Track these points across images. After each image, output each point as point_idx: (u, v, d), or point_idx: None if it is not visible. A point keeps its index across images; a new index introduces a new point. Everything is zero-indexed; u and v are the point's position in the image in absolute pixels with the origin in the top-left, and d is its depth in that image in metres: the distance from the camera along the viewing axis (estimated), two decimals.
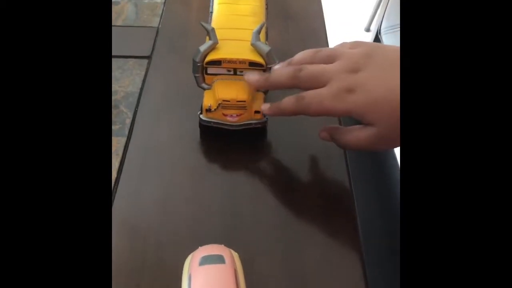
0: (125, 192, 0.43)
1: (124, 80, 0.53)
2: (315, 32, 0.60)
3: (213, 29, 0.44)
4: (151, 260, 0.39)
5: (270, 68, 0.44)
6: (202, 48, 0.44)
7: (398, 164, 0.70)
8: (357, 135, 0.41)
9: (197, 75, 0.45)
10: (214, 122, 0.46)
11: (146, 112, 0.50)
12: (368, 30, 1.85)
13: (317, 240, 0.40)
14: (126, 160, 0.45)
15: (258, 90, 0.46)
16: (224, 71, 0.45)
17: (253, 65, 0.44)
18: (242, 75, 0.44)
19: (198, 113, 0.46)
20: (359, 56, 0.40)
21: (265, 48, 0.44)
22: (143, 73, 0.54)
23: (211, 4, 0.51)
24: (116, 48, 0.56)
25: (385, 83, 0.38)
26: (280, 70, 0.43)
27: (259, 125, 0.46)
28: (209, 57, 0.44)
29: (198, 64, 0.44)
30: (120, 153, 0.46)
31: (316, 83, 0.40)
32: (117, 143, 0.47)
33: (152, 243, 0.40)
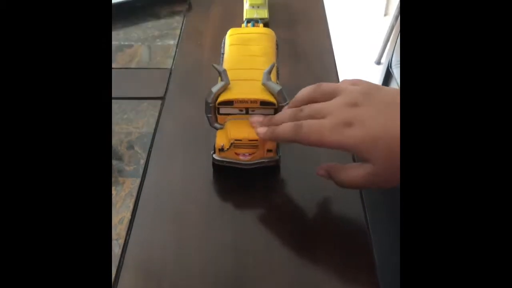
0: (139, 233, 0.43)
1: (138, 121, 0.54)
2: (326, 70, 0.61)
3: (224, 70, 0.45)
4: None
5: (281, 107, 0.45)
6: (214, 89, 0.44)
7: None
8: (353, 173, 0.41)
9: (209, 115, 0.46)
10: (227, 162, 0.46)
11: (160, 152, 0.51)
12: (379, 63, 1.87)
13: (334, 280, 0.40)
14: (140, 201, 0.46)
15: None
16: (236, 110, 0.45)
17: (264, 104, 0.45)
18: (254, 114, 0.45)
19: (211, 152, 0.47)
20: (359, 93, 0.41)
21: (276, 87, 0.44)
22: (156, 114, 0.55)
23: (222, 45, 0.52)
24: (130, 90, 0.58)
25: (382, 121, 0.38)
26: (282, 114, 0.43)
27: (272, 163, 0.46)
28: (221, 98, 0.45)
29: (211, 105, 0.45)
30: (134, 194, 0.46)
31: (316, 117, 0.41)
32: (131, 184, 0.47)
33: (166, 286, 0.40)
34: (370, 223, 0.44)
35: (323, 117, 0.40)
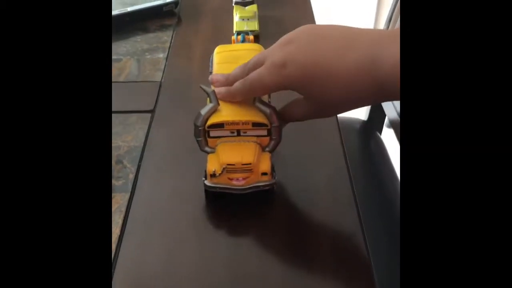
0: (129, 249, 0.42)
1: (127, 135, 0.53)
2: None
3: (213, 91, 0.43)
4: None
5: (274, 128, 0.43)
6: (203, 111, 0.43)
7: None
8: (295, 113, 0.43)
9: (199, 139, 0.44)
10: (219, 188, 0.44)
11: (150, 166, 0.49)
12: None
13: None
14: (129, 217, 0.44)
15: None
16: (227, 133, 0.43)
17: (256, 125, 0.43)
18: (246, 135, 0.43)
19: (202, 178, 0.44)
20: (293, 32, 0.42)
21: (268, 108, 0.43)
22: (146, 127, 0.54)
23: (210, 63, 0.51)
24: (119, 104, 0.56)
25: (314, 54, 0.39)
26: (235, 70, 0.45)
27: (268, 187, 0.44)
28: (211, 121, 0.43)
29: (200, 128, 0.43)
30: (124, 209, 0.45)
31: (257, 66, 0.42)
32: (120, 199, 0.46)
33: None
34: (369, 249, 0.42)
35: (263, 63, 0.41)
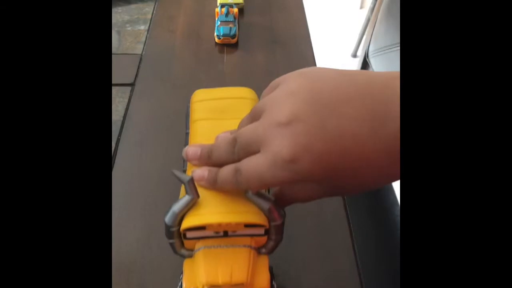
0: None
1: None
2: (303, 55, 0.59)
3: (191, 180, 0.30)
4: None
5: (275, 226, 0.31)
6: (177, 208, 0.30)
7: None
8: (302, 197, 0.33)
9: (172, 241, 0.32)
10: None
11: (129, 140, 0.48)
12: (355, 56, 1.86)
13: None
14: None
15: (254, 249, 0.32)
16: (210, 233, 0.31)
17: (250, 226, 0.31)
18: (236, 235, 0.31)
19: None
20: (286, 98, 0.30)
21: (265, 202, 0.31)
22: (126, 100, 0.52)
23: (186, 119, 0.38)
24: None
25: (335, 138, 0.29)
26: (219, 149, 0.33)
27: None
28: (188, 222, 0.30)
29: (172, 230, 0.31)
30: None
31: (251, 151, 0.30)
32: None
33: (135, 280, 0.38)
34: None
35: (258, 148, 0.30)
